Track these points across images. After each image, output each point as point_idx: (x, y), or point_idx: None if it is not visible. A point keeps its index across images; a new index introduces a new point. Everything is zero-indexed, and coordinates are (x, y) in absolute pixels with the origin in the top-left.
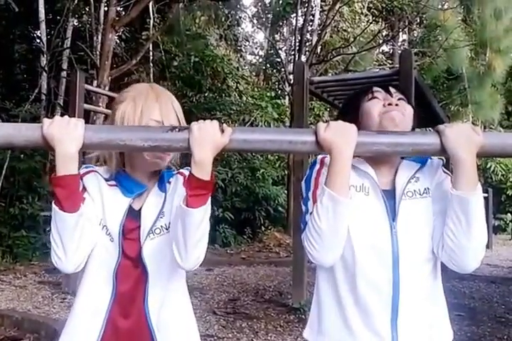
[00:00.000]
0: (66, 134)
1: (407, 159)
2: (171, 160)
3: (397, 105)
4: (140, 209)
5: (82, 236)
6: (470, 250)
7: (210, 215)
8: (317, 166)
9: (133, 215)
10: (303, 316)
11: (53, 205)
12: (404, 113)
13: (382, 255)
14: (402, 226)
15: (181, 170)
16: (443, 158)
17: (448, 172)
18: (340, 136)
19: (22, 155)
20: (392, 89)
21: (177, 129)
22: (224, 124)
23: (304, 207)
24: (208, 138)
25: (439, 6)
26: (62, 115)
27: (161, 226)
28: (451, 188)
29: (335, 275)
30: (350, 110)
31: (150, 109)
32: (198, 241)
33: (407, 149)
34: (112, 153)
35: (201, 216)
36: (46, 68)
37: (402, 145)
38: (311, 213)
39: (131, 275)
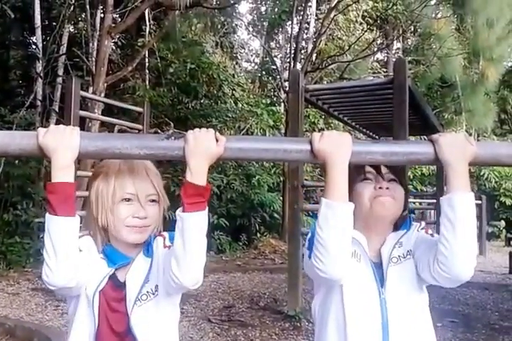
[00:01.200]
0: (61, 143)
1: (398, 228)
2: (153, 231)
3: (387, 188)
4: (125, 280)
5: (74, 243)
6: (461, 254)
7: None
8: None
9: (117, 285)
10: (298, 324)
11: (47, 214)
12: (394, 196)
13: (372, 319)
14: (390, 292)
15: (162, 233)
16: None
17: (432, 232)
18: (335, 146)
19: (17, 161)
20: (383, 170)
21: (173, 137)
22: (218, 134)
23: (306, 243)
24: (203, 147)
25: (433, 15)
26: (57, 121)
27: (147, 292)
28: (444, 193)
29: (327, 335)
30: None
31: (123, 184)
32: (198, 251)
33: (401, 158)
34: (96, 231)
35: (200, 222)
36: (42, 74)
37: (397, 155)
38: None
39: None
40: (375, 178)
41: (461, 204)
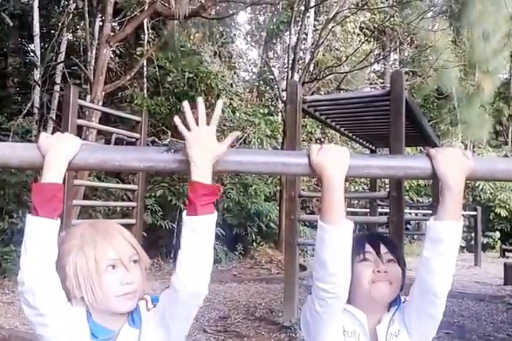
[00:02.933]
0: (60, 143)
1: (394, 304)
2: (139, 296)
3: (385, 272)
4: None
5: (48, 246)
6: (440, 274)
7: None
8: None
9: None
10: (293, 335)
11: (28, 215)
12: (392, 280)
13: None
14: None
15: (144, 297)
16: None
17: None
18: (333, 160)
19: (13, 169)
20: (383, 250)
21: (172, 150)
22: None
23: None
24: (208, 142)
25: (430, 27)
26: (54, 129)
27: None
28: (430, 219)
29: None
30: None
31: (103, 252)
32: (206, 256)
33: (398, 172)
34: (78, 305)
35: (212, 224)
36: (39, 82)
37: (394, 169)
38: None
39: None
40: (374, 259)
41: (449, 235)
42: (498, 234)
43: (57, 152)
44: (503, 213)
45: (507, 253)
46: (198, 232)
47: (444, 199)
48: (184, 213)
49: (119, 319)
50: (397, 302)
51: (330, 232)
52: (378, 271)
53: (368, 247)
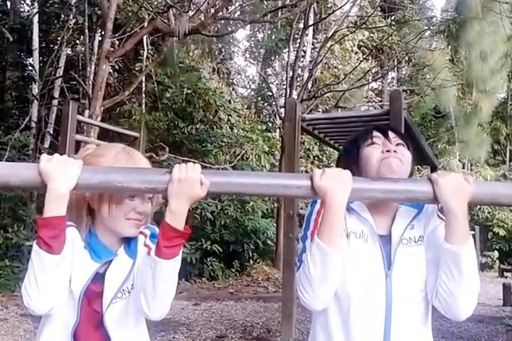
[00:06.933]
0: (61, 173)
1: (405, 204)
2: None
3: (395, 152)
4: (104, 272)
5: (60, 279)
6: (462, 301)
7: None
8: (317, 206)
9: (97, 279)
10: None
11: (35, 245)
12: (402, 159)
13: (376, 302)
14: (397, 276)
15: (141, 230)
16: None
17: (443, 217)
18: (335, 184)
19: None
20: (391, 134)
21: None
22: (203, 176)
23: (301, 244)
24: (187, 191)
25: (428, 46)
26: (51, 144)
27: (123, 290)
28: (443, 242)
29: (329, 319)
30: (350, 154)
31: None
32: (168, 291)
33: (400, 196)
34: (83, 215)
35: (174, 266)
36: (37, 96)
37: (396, 192)
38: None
39: (92, 337)
40: (383, 142)
41: (467, 261)
42: (496, 254)
43: (61, 184)
44: (502, 232)
45: (505, 273)
46: (158, 273)
47: (449, 225)
48: (152, 252)
49: (118, 242)
50: (419, 205)
51: (325, 252)
52: (388, 151)
53: (376, 132)
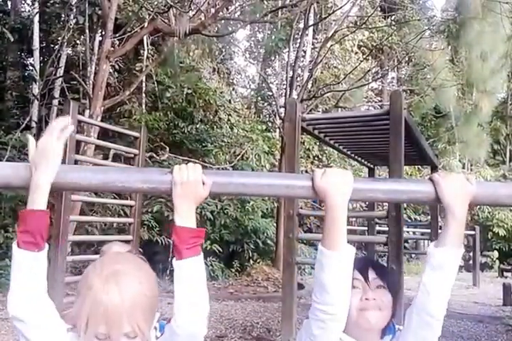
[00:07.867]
0: (44, 164)
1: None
2: None
3: (374, 299)
4: None
5: (36, 277)
6: (436, 297)
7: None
8: None
9: None
10: None
11: (13, 244)
12: (381, 306)
13: None
14: None
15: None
16: None
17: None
18: (336, 184)
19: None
20: (371, 275)
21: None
22: (204, 176)
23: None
24: (192, 193)
25: (428, 46)
26: None
27: None
28: (433, 243)
29: None
30: None
31: (96, 324)
32: (202, 299)
33: (402, 197)
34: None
35: (199, 267)
36: (38, 96)
37: (397, 193)
38: None
39: None
40: (363, 286)
41: (449, 263)
42: (496, 254)
43: (45, 175)
44: (501, 232)
45: (505, 273)
46: (187, 276)
47: (447, 226)
48: (174, 259)
49: None
50: (392, 330)
51: (330, 257)
52: (366, 299)
53: (356, 273)
